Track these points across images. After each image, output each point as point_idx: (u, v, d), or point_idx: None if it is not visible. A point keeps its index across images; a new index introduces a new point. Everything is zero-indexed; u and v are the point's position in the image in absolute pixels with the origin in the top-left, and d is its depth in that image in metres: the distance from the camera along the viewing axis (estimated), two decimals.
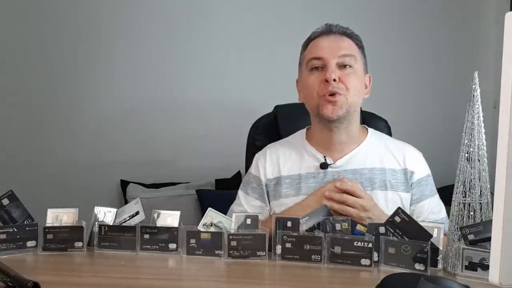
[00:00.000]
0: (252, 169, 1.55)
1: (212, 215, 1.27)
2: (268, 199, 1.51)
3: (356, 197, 1.34)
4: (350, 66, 1.42)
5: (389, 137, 1.62)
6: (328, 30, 1.47)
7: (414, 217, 1.36)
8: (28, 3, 2.92)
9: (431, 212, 1.45)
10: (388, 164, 1.47)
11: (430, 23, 2.99)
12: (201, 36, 2.96)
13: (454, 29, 3.00)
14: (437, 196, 1.49)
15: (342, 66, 1.42)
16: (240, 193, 1.55)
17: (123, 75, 2.97)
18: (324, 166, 1.46)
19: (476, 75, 1.08)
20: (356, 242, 1.17)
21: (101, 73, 2.97)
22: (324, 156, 1.47)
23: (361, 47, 1.48)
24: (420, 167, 1.49)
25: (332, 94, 1.39)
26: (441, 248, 1.14)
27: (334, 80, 1.38)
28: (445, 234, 1.18)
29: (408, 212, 1.41)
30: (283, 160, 1.51)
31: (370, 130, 1.54)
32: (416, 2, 2.99)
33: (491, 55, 2.91)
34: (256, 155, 1.58)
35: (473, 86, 1.08)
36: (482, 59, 2.93)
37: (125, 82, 2.97)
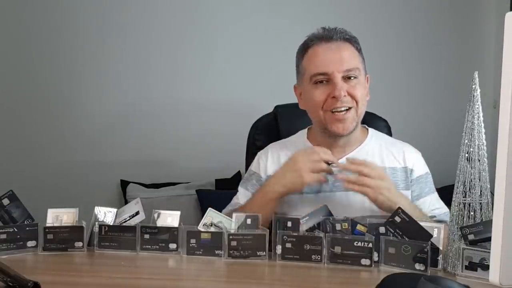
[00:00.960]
0: (253, 166, 1.57)
1: (212, 215, 1.27)
2: None
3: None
4: (355, 77, 1.40)
5: (388, 137, 1.63)
6: (328, 37, 1.41)
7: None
8: (29, 0, 2.92)
9: (433, 207, 1.46)
10: (388, 163, 1.48)
11: (430, 23, 2.99)
12: (202, 36, 2.96)
13: (454, 29, 3.00)
14: (436, 194, 1.51)
15: (347, 78, 1.39)
16: (240, 189, 1.56)
17: (123, 75, 2.97)
18: None
19: (476, 75, 1.08)
20: (356, 242, 1.17)
21: (101, 73, 2.97)
22: None
23: (360, 50, 1.45)
24: (419, 165, 1.50)
25: (341, 111, 1.39)
26: (441, 247, 1.14)
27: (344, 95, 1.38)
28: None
29: None
30: (284, 158, 1.51)
31: (371, 130, 1.55)
32: (416, 2, 2.99)
33: (491, 55, 2.91)
34: (258, 153, 1.59)
35: (473, 86, 1.08)
36: (482, 59, 2.93)
37: (126, 82, 2.97)
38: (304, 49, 1.45)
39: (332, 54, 1.39)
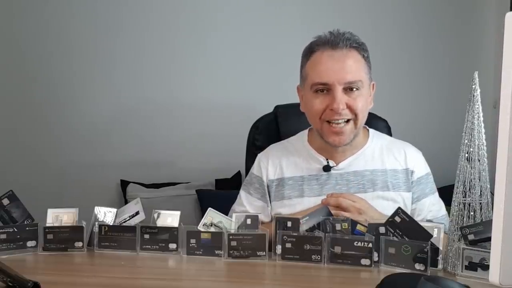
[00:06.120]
0: (254, 170, 1.56)
1: (212, 215, 1.27)
2: (270, 199, 1.51)
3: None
4: (357, 89, 1.38)
5: (389, 137, 1.62)
6: (334, 43, 1.37)
7: (415, 215, 1.37)
8: (26, 1, 2.92)
9: (431, 210, 1.46)
10: (390, 165, 1.48)
11: (430, 23, 2.98)
12: (201, 36, 2.95)
13: (454, 29, 2.99)
14: (437, 194, 1.50)
15: (348, 89, 1.37)
16: (242, 193, 1.55)
17: (123, 75, 2.96)
18: (326, 168, 1.46)
19: (476, 75, 1.08)
20: (356, 242, 1.17)
21: (101, 73, 2.97)
22: (327, 159, 1.47)
23: (367, 57, 1.41)
24: (420, 165, 1.49)
25: (339, 123, 1.38)
26: (441, 247, 1.14)
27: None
28: (445, 232, 1.18)
29: (409, 211, 1.42)
30: (286, 161, 1.51)
31: (371, 131, 1.55)
32: (416, 2, 2.99)
33: (491, 55, 2.90)
34: (258, 155, 1.58)
35: (473, 86, 1.09)
36: (482, 59, 2.92)
37: (125, 82, 2.97)
38: (309, 52, 1.43)
39: (335, 64, 1.36)
